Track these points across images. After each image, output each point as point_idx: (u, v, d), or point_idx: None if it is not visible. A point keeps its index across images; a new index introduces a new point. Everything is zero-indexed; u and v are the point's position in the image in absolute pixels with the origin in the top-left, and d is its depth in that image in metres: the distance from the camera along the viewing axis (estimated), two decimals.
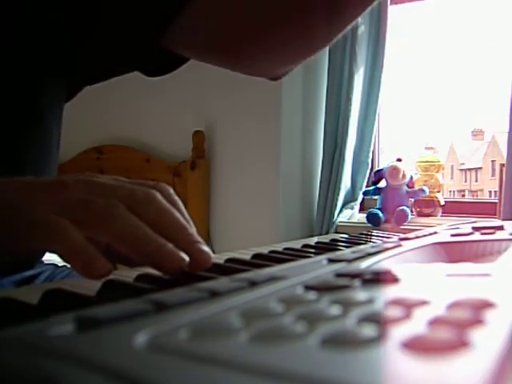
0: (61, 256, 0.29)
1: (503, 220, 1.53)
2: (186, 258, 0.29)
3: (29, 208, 0.30)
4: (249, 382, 0.11)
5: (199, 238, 0.32)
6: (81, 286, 0.29)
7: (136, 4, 0.52)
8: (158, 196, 0.33)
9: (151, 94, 2.21)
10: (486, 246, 0.43)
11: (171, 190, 0.35)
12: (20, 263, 0.58)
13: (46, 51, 0.53)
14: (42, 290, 0.25)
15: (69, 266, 0.30)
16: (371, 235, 0.62)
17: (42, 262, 0.63)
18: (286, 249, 0.46)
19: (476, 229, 0.51)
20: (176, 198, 0.35)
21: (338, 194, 1.88)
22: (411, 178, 1.85)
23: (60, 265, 0.65)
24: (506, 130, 1.70)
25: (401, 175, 1.80)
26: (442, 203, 1.89)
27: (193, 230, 0.32)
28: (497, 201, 1.79)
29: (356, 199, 1.94)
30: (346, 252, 0.37)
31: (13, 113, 0.52)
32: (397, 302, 0.17)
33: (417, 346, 0.13)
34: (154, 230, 0.30)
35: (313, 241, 0.54)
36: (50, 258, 0.53)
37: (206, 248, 0.31)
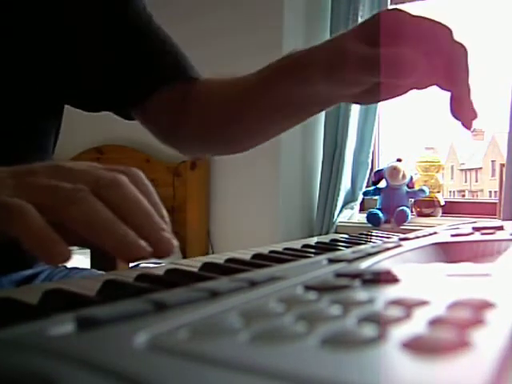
0: (21, 240, 0.28)
1: (503, 220, 1.53)
2: (147, 249, 0.29)
3: None
4: (249, 381, 0.11)
5: (164, 225, 0.31)
6: (81, 286, 0.29)
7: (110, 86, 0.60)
8: (125, 181, 0.32)
9: None
10: (486, 246, 0.43)
11: (141, 175, 0.34)
12: (18, 262, 0.58)
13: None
14: (41, 290, 0.25)
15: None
16: (371, 235, 0.62)
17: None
18: (285, 249, 0.46)
19: (476, 229, 0.51)
20: (146, 182, 0.34)
21: (338, 195, 1.88)
22: (411, 178, 1.85)
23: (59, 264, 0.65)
24: (506, 131, 1.70)
25: (401, 175, 1.80)
26: (442, 203, 1.89)
27: (157, 217, 0.32)
28: (497, 201, 1.79)
29: (356, 199, 1.94)
30: (346, 252, 0.37)
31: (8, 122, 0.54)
32: (397, 302, 0.17)
33: (417, 347, 0.13)
34: (118, 216, 0.30)
35: (313, 241, 0.54)
36: None
37: (168, 236, 0.31)
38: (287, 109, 0.56)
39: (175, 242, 0.31)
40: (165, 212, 0.33)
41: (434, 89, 0.46)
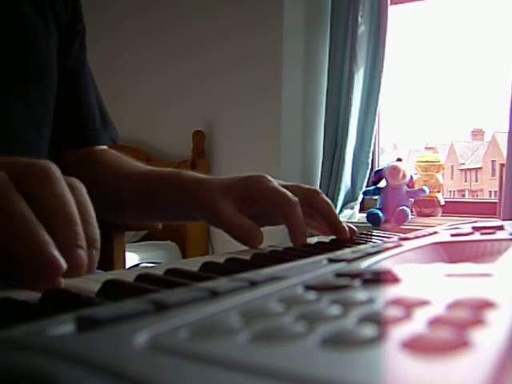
0: None
1: (503, 220, 1.53)
2: (63, 265, 0.25)
3: None
4: (249, 382, 0.11)
5: (82, 242, 0.27)
6: (81, 286, 0.29)
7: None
8: (59, 177, 0.28)
9: (151, 94, 2.21)
10: (486, 246, 0.43)
11: (77, 180, 0.30)
12: None
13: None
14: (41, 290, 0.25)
15: None
16: (371, 235, 0.62)
17: None
18: (286, 249, 0.46)
19: (476, 229, 0.51)
20: (80, 185, 0.30)
21: (338, 194, 1.88)
22: (411, 177, 1.85)
23: None
24: (506, 130, 1.70)
25: (401, 175, 1.80)
26: (442, 203, 1.89)
27: (81, 231, 0.27)
28: (497, 201, 1.79)
29: (356, 199, 1.94)
30: (346, 252, 0.37)
31: None
32: (397, 302, 0.17)
33: (417, 346, 0.13)
34: (39, 217, 0.25)
35: (313, 241, 0.54)
36: None
37: (83, 255, 0.26)
38: (166, 215, 0.65)
39: (85, 266, 0.27)
40: (96, 229, 0.29)
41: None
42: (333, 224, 0.54)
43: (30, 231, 0.24)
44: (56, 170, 0.28)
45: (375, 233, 0.65)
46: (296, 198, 0.51)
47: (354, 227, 0.56)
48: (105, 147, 0.71)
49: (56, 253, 0.24)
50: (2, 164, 0.27)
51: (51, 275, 0.24)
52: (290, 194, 0.51)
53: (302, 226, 0.50)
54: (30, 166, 0.27)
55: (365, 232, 0.64)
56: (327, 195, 1.98)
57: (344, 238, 0.53)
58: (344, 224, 0.54)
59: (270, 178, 0.53)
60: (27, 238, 0.24)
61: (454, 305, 0.16)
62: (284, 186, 0.53)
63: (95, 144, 0.70)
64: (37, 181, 0.27)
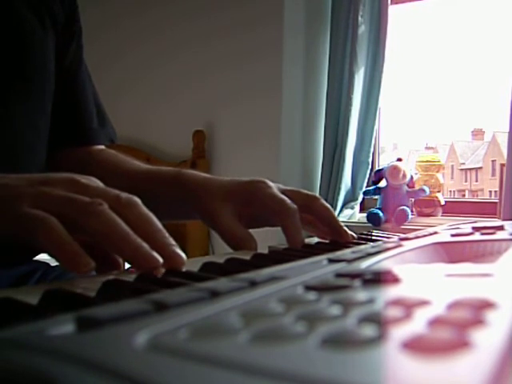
0: (45, 250, 0.30)
1: (503, 220, 1.53)
2: (160, 260, 0.32)
3: (14, 201, 0.31)
4: (249, 382, 0.11)
5: (174, 242, 0.34)
6: (81, 286, 0.29)
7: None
8: (140, 202, 0.35)
9: (151, 93, 2.21)
10: (487, 246, 0.43)
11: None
12: (15, 258, 0.58)
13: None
14: (41, 290, 0.25)
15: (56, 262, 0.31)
16: (371, 235, 0.62)
17: (36, 260, 0.63)
18: (286, 249, 0.46)
19: (476, 229, 0.51)
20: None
21: (339, 194, 1.88)
22: (411, 177, 1.85)
23: (53, 264, 0.65)
24: (506, 130, 1.70)
25: (401, 175, 1.80)
26: (443, 203, 1.89)
27: (168, 235, 0.35)
28: (497, 201, 1.79)
29: (356, 199, 1.94)
30: (346, 252, 0.37)
31: None
32: (397, 302, 0.17)
33: (417, 346, 0.13)
34: (134, 231, 0.32)
35: (313, 241, 0.54)
36: (42, 257, 0.53)
37: (179, 251, 0.34)
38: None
39: (185, 257, 0.34)
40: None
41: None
42: (334, 228, 0.54)
43: (129, 236, 0.32)
44: (137, 199, 0.36)
45: (375, 233, 0.65)
46: (295, 206, 0.51)
47: (353, 234, 0.56)
48: (102, 147, 0.71)
49: (152, 252, 0.32)
50: (92, 193, 0.34)
51: (150, 266, 0.31)
52: (288, 201, 0.51)
53: (299, 234, 0.50)
54: (117, 195, 0.35)
55: (365, 232, 0.64)
56: (327, 195, 1.96)
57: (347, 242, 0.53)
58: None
59: (269, 183, 0.53)
60: (128, 243, 0.31)
61: (454, 305, 0.16)
62: (284, 191, 0.52)
63: (92, 144, 0.70)
64: (126, 206, 0.34)
